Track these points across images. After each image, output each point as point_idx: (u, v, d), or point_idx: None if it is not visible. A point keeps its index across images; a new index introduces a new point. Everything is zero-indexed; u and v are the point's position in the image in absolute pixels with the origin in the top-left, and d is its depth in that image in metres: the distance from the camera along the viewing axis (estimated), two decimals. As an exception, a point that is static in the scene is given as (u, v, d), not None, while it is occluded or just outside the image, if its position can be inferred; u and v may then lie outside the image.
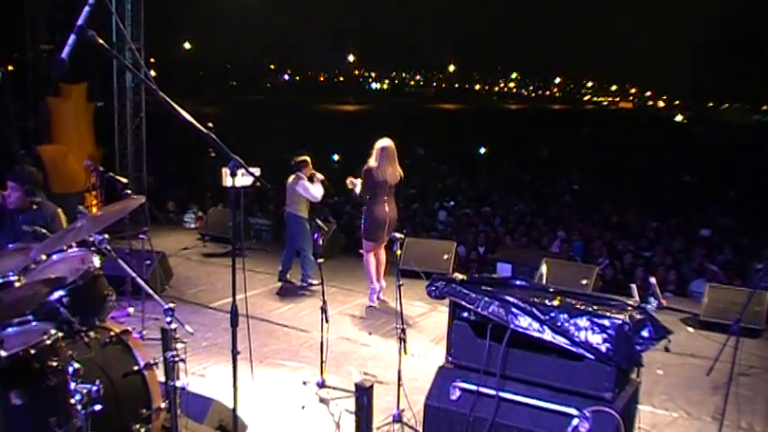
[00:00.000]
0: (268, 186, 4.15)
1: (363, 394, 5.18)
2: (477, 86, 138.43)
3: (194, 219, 14.63)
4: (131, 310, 7.66)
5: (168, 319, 4.38)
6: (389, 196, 8.75)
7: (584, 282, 9.32)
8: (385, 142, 8.65)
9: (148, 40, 13.59)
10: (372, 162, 8.60)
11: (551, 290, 4.91)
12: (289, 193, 9.77)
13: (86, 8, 3.15)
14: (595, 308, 4.44)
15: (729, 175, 27.16)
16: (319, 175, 9.79)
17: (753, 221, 17.78)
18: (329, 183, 9.93)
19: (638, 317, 4.39)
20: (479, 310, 4.57)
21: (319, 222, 7.25)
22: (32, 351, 3.69)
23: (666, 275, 12.03)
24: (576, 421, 4.16)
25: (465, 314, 4.75)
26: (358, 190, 8.80)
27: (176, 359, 4.39)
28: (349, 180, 8.92)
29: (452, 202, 20.58)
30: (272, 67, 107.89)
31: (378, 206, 8.66)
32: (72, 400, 3.77)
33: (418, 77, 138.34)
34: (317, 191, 9.64)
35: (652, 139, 46.45)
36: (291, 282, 10.02)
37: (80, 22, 3.09)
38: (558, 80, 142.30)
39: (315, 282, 9.75)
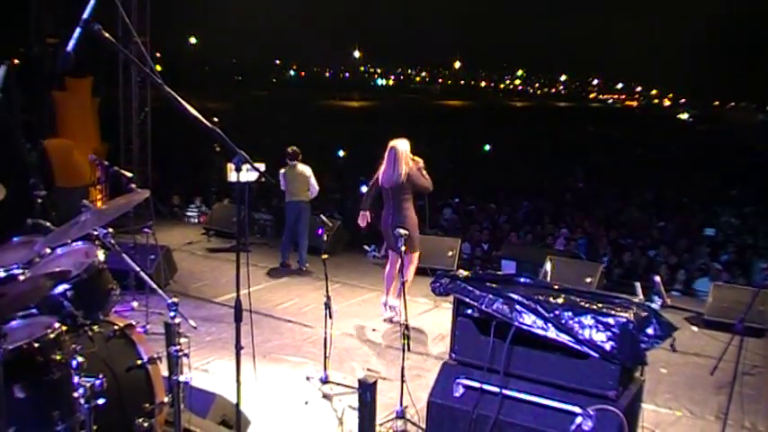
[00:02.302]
0: (273, 182, 4.16)
1: (367, 390, 5.17)
2: (483, 83, 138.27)
3: (197, 213, 14.63)
4: (135, 304, 7.67)
5: (172, 313, 4.38)
6: (397, 201, 8.05)
7: (588, 279, 9.30)
8: (393, 142, 8.07)
9: (154, 34, 13.57)
10: None
11: (556, 287, 4.89)
12: (294, 183, 10.20)
13: (92, 1, 3.15)
14: (600, 306, 4.43)
15: (734, 175, 27.10)
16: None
17: (758, 221, 17.74)
18: (329, 180, 10.19)
19: (643, 314, 4.38)
20: (483, 307, 4.57)
21: (324, 218, 7.22)
22: (36, 344, 3.69)
23: (671, 274, 12.02)
24: (579, 419, 4.16)
25: (469, 311, 4.74)
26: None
27: (180, 354, 4.39)
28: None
29: (457, 199, 20.55)
30: (278, 62, 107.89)
31: (384, 211, 8.28)
32: (75, 394, 3.77)
33: (424, 74, 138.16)
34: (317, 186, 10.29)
35: (655, 138, 46.39)
36: (290, 265, 10.52)
37: (86, 15, 3.08)
38: (563, 78, 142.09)
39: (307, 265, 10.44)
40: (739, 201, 21.56)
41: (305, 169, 10.26)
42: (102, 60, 13.09)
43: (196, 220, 14.24)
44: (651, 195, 22.14)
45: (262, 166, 9.60)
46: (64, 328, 3.92)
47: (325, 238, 7.03)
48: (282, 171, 10.28)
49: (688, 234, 15.96)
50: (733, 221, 17.80)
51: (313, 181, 10.28)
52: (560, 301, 4.50)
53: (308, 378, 6.52)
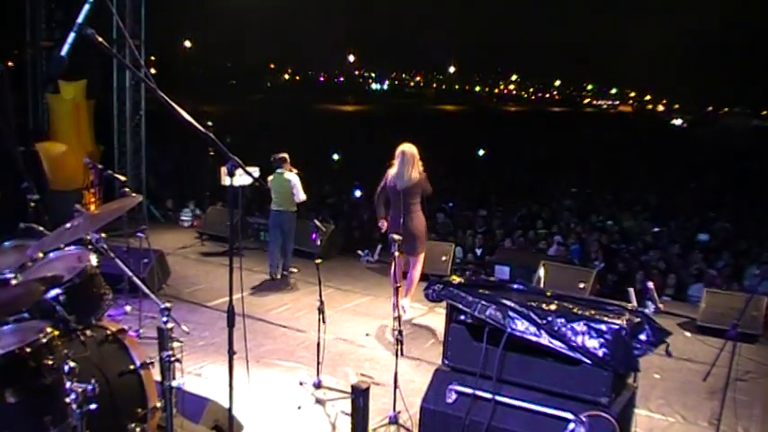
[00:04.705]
0: (266, 186, 4.15)
1: (360, 396, 5.17)
2: (478, 88, 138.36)
3: (191, 217, 14.59)
4: (128, 308, 7.66)
5: (164, 318, 4.36)
6: (407, 205, 8.25)
7: (581, 285, 9.31)
8: (402, 147, 8.28)
9: (149, 37, 13.57)
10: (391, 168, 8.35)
11: (549, 294, 4.90)
12: (277, 192, 9.84)
13: (86, 6, 3.15)
14: (593, 312, 4.43)
15: (730, 179, 27.15)
16: (294, 170, 9.99)
17: (751, 226, 17.77)
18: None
19: (636, 321, 4.38)
20: (476, 313, 4.57)
21: (317, 223, 7.21)
22: (28, 349, 3.67)
23: (664, 280, 12.03)
24: (572, 426, 4.16)
25: (462, 317, 4.75)
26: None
27: (172, 358, 4.38)
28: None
29: (451, 204, 20.56)
30: (273, 66, 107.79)
31: (393, 215, 8.35)
32: (67, 399, 3.75)
33: (418, 78, 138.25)
34: (302, 193, 9.90)
35: (650, 143, 46.50)
36: (279, 278, 10.19)
37: (79, 19, 3.08)
38: (557, 83, 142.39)
39: (294, 270, 10.29)
40: (735, 206, 21.57)
41: (290, 177, 9.82)
42: (97, 63, 13.08)
43: (189, 224, 14.18)
44: (645, 200, 22.15)
45: (255, 171, 9.57)
46: (56, 332, 3.90)
47: (318, 242, 7.01)
48: (270, 178, 9.92)
49: (682, 239, 15.97)
50: (727, 227, 17.79)
51: (296, 190, 9.80)
52: (553, 307, 4.50)
53: (301, 383, 6.51)
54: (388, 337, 7.85)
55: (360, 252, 12.22)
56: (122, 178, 7.57)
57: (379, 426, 5.60)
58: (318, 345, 6.40)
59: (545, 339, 4.33)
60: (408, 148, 8.28)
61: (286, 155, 9.96)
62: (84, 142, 13.14)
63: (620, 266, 13.26)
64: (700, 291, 10.60)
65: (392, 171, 8.30)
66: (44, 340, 3.76)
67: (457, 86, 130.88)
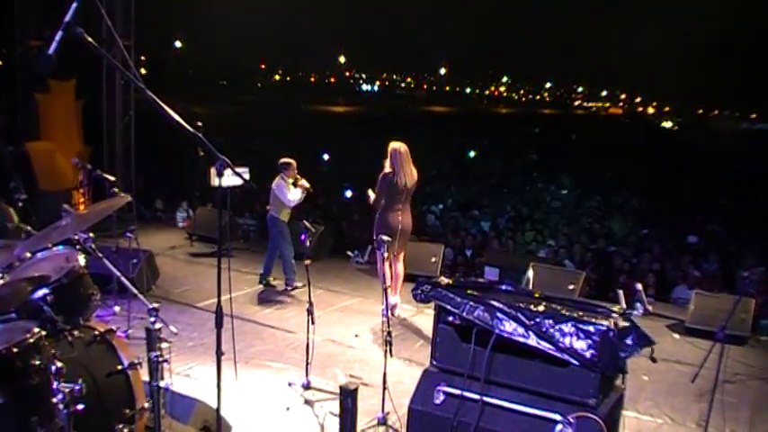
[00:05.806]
0: (254, 187, 4.14)
1: (348, 397, 5.17)
2: (468, 90, 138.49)
3: (185, 217, 14.55)
4: (117, 308, 7.63)
5: (153, 319, 4.36)
6: (404, 203, 8.42)
7: (571, 287, 9.32)
8: (397, 145, 8.34)
9: (139, 38, 13.54)
10: (388, 167, 8.34)
11: (537, 295, 4.91)
12: (271, 195, 9.65)
13: (74, 5, 3.14)
14: (581, 314, 4.44)
15: (722, 183, 27.22)
16: (304, 182, 9.50)
17: (740, 228, 17.81)
18: (313, 185, 9.76)
19: (623, 324, 4.39)
20: (464, 314, 4.57)
21: (306, 224, 7.19)
22: (15, 349, 3.67)
23: (653, 282, 12.05)
24: (559, 427, 4.17)
25: (450, 318, 4.75)
26: (372, 198, 8.58)
27: (160, 359, 4.37)
28: (369, 197, 8.67)
29: (441, 206, 20.57)
30: (263, 67, 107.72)
31: (390, 213, 8.36)
32: (54, 400, 3.74)
33: (409, 80, 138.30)
34: (293, 195, 9.41)
35: (642, 145, 46.61)
36: (273, 286, 9.95)
37: (67, 18, 3.07)
38: (548, 85, 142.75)
39: (299, 285, 9.69)
40: (728, 208, 21.62)
41: (277, 182, 9.48)
42: (86, 63, 13.03)
43: (183, 224, 14.14)
44: (635, 202, 22.21)
45: (244, 171, 9.50)
46: (43, 333, 3.89)
47: (308, 243, 6.98)
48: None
49: (671, 241, 16.01)
50: (718, 229, 17.84)
51: (275, 190, 9.44)
52: (541, 308, 4.51)
53: (289, 384, 6.50)
54: (378, 338, 7.85)
55: (350, 253, 12.21)
56: (111, 178, 7.56)
57: (367, 427, 5.59)
58: (307, 346, 6.39)
59: (533, 340, 4.33)
60: (400, 146, 8.36)
61: (291, 161, 9.54)
62: (73, 142, 13.11)
63: (609, 268, 13.28)
64: (683, 292, 10.63)
65: (391, 170, 8.31)
66: (31, 340, 3.76)
67: (448, 88, 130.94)
